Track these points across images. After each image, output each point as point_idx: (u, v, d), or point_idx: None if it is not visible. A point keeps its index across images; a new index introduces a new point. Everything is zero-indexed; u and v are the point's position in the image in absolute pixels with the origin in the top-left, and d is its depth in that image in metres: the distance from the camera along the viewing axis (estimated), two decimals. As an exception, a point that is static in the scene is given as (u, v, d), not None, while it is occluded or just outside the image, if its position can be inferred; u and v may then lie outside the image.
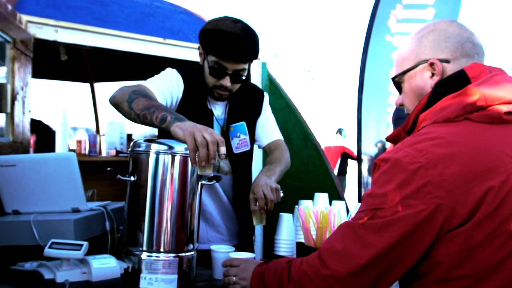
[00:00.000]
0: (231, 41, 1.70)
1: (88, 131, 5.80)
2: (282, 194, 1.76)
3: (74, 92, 6.07)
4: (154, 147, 1.45)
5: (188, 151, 1.44)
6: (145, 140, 1.49)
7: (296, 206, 2.04)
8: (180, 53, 2.82)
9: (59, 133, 3.30)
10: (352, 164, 8.58)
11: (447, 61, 1.14)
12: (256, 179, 1.76)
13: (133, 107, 1.52)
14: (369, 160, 5.15)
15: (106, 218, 1.81)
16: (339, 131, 9.13)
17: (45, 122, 3.77)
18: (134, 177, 1.46)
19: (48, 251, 1.28)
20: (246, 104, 1.95)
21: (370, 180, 5.12)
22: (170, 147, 1.45)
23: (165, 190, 1.44)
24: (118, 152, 3.57)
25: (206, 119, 1.85)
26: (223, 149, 1.34)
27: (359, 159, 5.10)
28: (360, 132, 5.05)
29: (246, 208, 1.78)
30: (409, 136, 1.10)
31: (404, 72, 1.21)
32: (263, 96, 2.03)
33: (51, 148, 3.33)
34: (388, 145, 5.08)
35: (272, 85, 3.06)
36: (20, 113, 2.09)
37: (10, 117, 2.00)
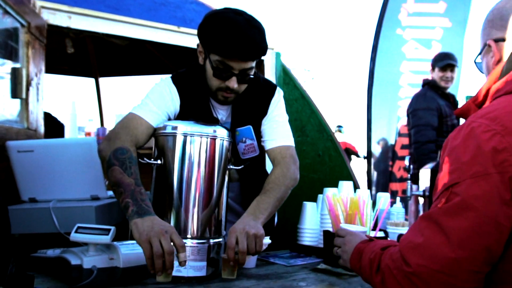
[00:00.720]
0: (236, 37, 1.45)
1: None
2: (268, 241, 1.51)
3: (79, 87, 6.02)
4: (182, 129, 1.39)
5: (217, 134, 1.39)
6: (171, 123, 1.44)
7: (320, 194, 1.99)
8: (194, 42, 2.75)
9: (68, 125, 3.24)
10: (355, 161, 8.53)
11: (503, 40, 1.11)
12: (240, 219, 1.42)
13: (108, 176, 1.38)
14: (379, 153, 5.08)
15: (126, 206, 1.75)
16: (338, 129, 9.13)
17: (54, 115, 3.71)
18: (160, 160, 1.40)
19: (74, 236, 1.22)
20: (252, 105, 1.69)
21: (375, 176, 5.06)
22: (198, 129, 1.39)
23: (194, 173, 1.38)
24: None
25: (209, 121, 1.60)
26: (182, 256, 1.19)
27: (368, 152, 5.04)
28: (370, 127, 4.99)
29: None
30: (480, 109, 1.05)
31: (477, 56, 1.21)
32: (272, 94, 1.73)
33: (60, 141, 3.27)
34: (390, 143, 5.02)
35: (286, 76, 2.99)
36: (35, 100, 2.03)
37: (25, 103, 1.94)
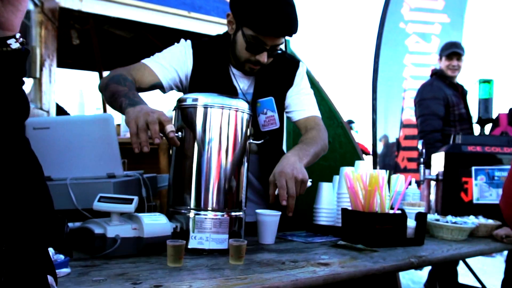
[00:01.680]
0: (273, 14, 1.47)
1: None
2: (309, 184, 1.53)
3: (83, 81, 5.99)
4: (202, 100, 1.38)
5: (236, 105, 1.38)
6: (192, 95, 1.42)
7: (336, 175, 1.97)
8: (204, 28, 2.74)
9: (76, 114, 3.22)
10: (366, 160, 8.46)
11: None
12: (284, 159, 1.48)
13: (105, 96, 1.46)
14: (382, 149, 5.08)
15: (142, 184, 1.74)
16: (350, 126, 8.96)
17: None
18: (182, 133, 1.38)
19: (98, 205, 1.20)
20: (276, 77, 1.72)
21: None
22: (219, 101, 1.38)
23: (214, 146, 1.36)
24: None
25: (228, 89, 1.66)
26: (169, 127, 1.23)
27: (374, 146, 5.04)
28: (375, 119, 4.99)
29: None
30: None
31: None
32: (297, 67, 1.78)
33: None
34: (391, 134, 5.03)
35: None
36: (47, 81, 2.02)
37: (39, 83, 1.93)
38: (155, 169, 3.72)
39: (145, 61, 1.62)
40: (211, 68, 1.65)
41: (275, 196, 1.44)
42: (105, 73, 5.74)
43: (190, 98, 1.40)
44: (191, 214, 1.34)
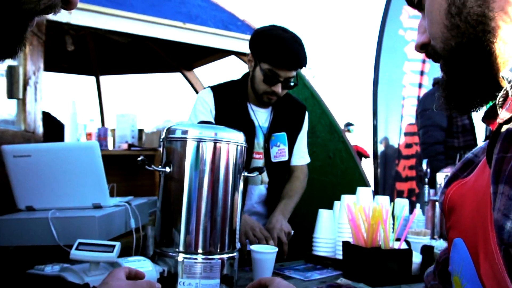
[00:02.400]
0: (285, 50, 1.76)
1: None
2: (292, 233, 1.82)
3: (79, 85, 5.88)
4: (193, 133, 1.27)
5: (230, 138, 1.28)
6: (181, 126, 1.31)
7: (336, 201, 1.87)
8: (200, 39, 2.63)
9: (68, 125, 3.11)
10: (364, 163, 8.36)
11: None
12: (273, 219, 1.82)
13: None
14: (383, 152, 4.99)
15: (131, 215, 1.64)
16: (347, 128, 8.84)
17: (53, 114, 3.58)
18: (169, 167, 1.28)
19: (75, 254, 1.10)
20: (288, 116, 2.01)
21: (381, 176, 4.95)
22: (210, 134, 1.27)
23: (205, 182, 1.26)
24: (130, 145, 3.38)
25: (249, 128, 1.88)
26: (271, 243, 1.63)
27: (375, 152, 4.94)
28: (376, 126, 4.90)
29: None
30: None
31: None
32: (304, 112, 2.08)
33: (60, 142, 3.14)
34: (392, 141, 4.92)
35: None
36: (32, 99, 1.91)
37: (22, 103, 1.82)
38: (150, 180, 3.63)
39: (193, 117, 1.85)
40: (231, 106, 1.89)
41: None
42: (102, 78, 5.64)
43: (179, 130, 1.30)
44: (180, 257, 1.23)
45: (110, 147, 3.73)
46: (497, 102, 0.65)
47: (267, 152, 1.93)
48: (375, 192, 4.78)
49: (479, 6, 0.64)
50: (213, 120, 1.83)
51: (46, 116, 3.44)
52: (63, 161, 1.54)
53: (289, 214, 1.89)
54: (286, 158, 1.98)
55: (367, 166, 5.68)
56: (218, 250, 1.27)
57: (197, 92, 4.93)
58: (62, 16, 2.18)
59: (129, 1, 2.63)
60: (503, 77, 0.64)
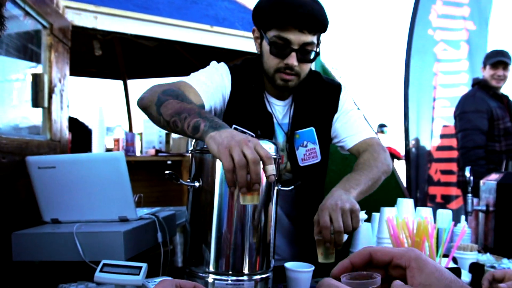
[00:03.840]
0: (293, 5, 1.35)
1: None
2: (364, 216, 1.37)
3: (106, 90, 5.91)
4: (223, 145, 1.18)
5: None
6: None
7: (375, 213, 1.76)
8: (228, 42, 2.55)
9: (96, 131, 3.09)
10: (397, 165, 8.15)
11: None
12: (329, 194, 1.29)
13: (162, 112, 1.20)
14: (414, 154, 4.84)
15: (158, 228, 1.56)
16: (381, 130, 8.64)
17: (81, 120, 3.58)
18: (199, 182, 1.19)
19: (100, 276, 1.02)
20: (316, 105, 1.56)
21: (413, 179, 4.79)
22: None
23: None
24: (157, 151, 3.33)
25: (266, 123, 1.51)
26: (270, 169, 1.00)
27: (407, 154, 4.79)
28: (408, 128, 4.75)
29: (310, 231, 1.27)
30: None
31: None
32: (339, 91, 1.61)
33: (88, 147, 3.13)
34: (423, 143, 4.77)
35: (325, 74, 2.76)
36: (58, 108, 1.86)
37: (48, 112, 1.77)
38: (179, 190, 3.58)
39: (187, 80, 1.41)
40: (247, 94, 1.51)
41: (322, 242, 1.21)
42: (130, 82, 5.65)
43: (209, 141, 1.21)
44: (210, 279, 1.15)
45: (138, 152, 3.70)
46: None
47: (292, 154, 1.53)
48: (409, 195, 4.62)
49: None
50: (220, 98, 1.48)
51: (74, 122, 3.44)
52: (88, 172, 1.48)
53: (356, 189, 1.33)
54: (318, 159, 1.56)
55: (400, 168, 5.51)
56: (251, 271, 1.18)
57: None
58: (88, 21, 2.13)
59: (156, 5, 2.58)
60: None
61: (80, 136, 3.21)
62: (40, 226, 1.50)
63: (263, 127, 1.50)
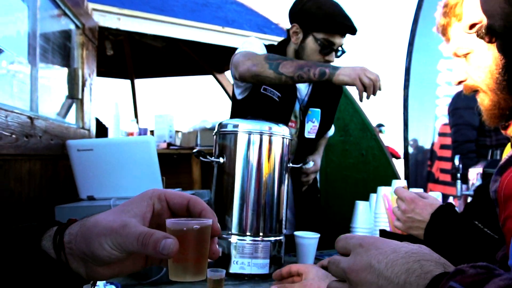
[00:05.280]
0: (339, 16, 1.76)
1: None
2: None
3: (115, 89, 6.11)
4: (243, 127, 1.40)
5: (277, 131, 1.40)
6: (233, 121, 1.44)
7: (372, 193, 1.97)
8: (238, 42, 2.76)
9: (112, 126, 3.29)
10: (395, 164, 8.29)
11: None
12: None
13: (283, 72, 1.59)
14: (412, 153, 4.98)
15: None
16: (379, 129, 8.81)
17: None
18: (222, 158, 1.40)
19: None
20: (325, 94, 1.96)
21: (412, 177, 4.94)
22: (259, 127, 1.40)
23: (255, 171, 1.38)
24: (169, 144, 3.54)
25: (290, 95, 1.86)
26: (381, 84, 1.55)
27: (405, 153, 4.95)
28: (407, 126, 4.89)
29: (305, 201, 1.89)
30: None
31: None
32: (341, 91, 2.08)
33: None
34: (428, 142, 4.90)
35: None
36: (88, 100, 2.08)
37: (80, 103, 1.98)
38: (188, 177, 3.78)
39: (247, 49, 1.75)
40: None
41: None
42: (137, 81, 5.85)
43: (231, 124, 1.43)
44: (233, 239, 1.36)
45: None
46: None
47: (302, 125, 1.90)
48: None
49: None
50: None
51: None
52: (121, 154, 1.69)
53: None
54: (314, 136, 1.95)
55: (399, 167, 5.66)
56: (266, 234, 1.39)
57: (228, 94, 5.07)
58: (112, 22, 2.34)
59: (170, 7, 2.79)
60: None
61: (98, 132, 3.40)
62: (78, 202, 1.71)
63: (288, 93, 1.84)
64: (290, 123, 1.89)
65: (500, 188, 0.76)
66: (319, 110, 1.94)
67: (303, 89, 1.92)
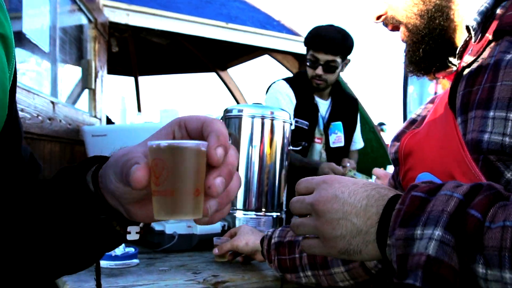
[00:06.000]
0: (321, 36, 2.06)
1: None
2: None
3: (118, 86, 6.24)
4: (247, 111, 1.52)
5: (279, 116, 1.52)
6: (237, 106, 1.57)
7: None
8: (241, 38, 2.89)
9: (118, 120, 3.41)
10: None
11: None
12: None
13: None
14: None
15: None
16: (381, 128, 8.90)
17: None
18: (229, 140, 1.52)
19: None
20: (343, 108, 2.32)
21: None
22: (261, 111, 1.52)
23: (258, 152, 1.51)
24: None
25: (313, 114, 2.18)
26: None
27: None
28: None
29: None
30: None
31: None
32: (357, 103, 2.45)
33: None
34: None
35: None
36: (100, 90, 2.20)
37: (93, 93, 2.11)
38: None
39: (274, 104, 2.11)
40: (302, 97, 2.19)
41: None
42: (141, 78, 5.98)
43: (235, 109, 1.55)
44: (238, 213, 1.48)
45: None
46: (457, 52, 0.78)
47: (327, 138, 2.23)
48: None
49: None
50: (292, 112, 2.13)
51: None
52: (134, 140, 1.78)
53: None
54: (342, 144, 2.27)
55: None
56: (268, 210, 1.51)
57: (230, 91, 5.20)
58: (121, 17, 2.47)
59: (176, 4, 2.91)
60: (468, 26, 0.75)
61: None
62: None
63: (312, 117, 2.14)
64: (316, 140, 2.21)
65: (401, 148, 0.86)
66: (340, 122, 2.27)
67: (323, 108, 2.24)
